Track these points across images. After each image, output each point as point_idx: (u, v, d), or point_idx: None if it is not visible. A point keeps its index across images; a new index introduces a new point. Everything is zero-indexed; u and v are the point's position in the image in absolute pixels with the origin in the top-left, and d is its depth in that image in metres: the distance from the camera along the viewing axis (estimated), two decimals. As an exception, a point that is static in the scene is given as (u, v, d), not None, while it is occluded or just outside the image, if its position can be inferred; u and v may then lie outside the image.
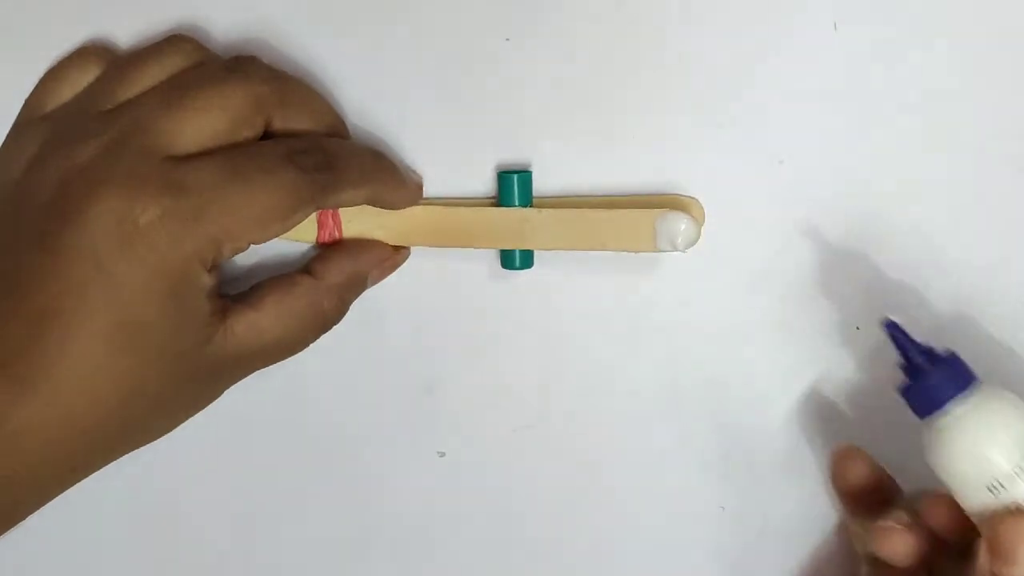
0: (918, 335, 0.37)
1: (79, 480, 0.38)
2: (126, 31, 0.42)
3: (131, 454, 0.39)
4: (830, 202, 0.42)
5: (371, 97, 0.42)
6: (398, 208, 0.41)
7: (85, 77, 0.40)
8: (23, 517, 0.38)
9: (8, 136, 0.40)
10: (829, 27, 0.41)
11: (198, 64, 0.39)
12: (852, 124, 0.41)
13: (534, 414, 0.43)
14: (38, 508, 0.38)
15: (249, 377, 0.40)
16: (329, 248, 0.41)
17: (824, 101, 0.41)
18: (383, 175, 0.40)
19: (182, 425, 0.40)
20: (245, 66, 0.38)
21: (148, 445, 0.39)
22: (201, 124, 0.37)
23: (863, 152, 0.42)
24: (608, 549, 0.43)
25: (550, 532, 0.43)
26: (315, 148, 0.38)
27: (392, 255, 0.42)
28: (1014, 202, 0.41)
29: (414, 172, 0.42)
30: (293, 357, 0.41)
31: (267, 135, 0.39)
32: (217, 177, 0.36)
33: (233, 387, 0.40)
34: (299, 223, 0.38)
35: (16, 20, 0.42)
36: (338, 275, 0.40)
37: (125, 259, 0.35)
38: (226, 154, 0.37)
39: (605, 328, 0.42)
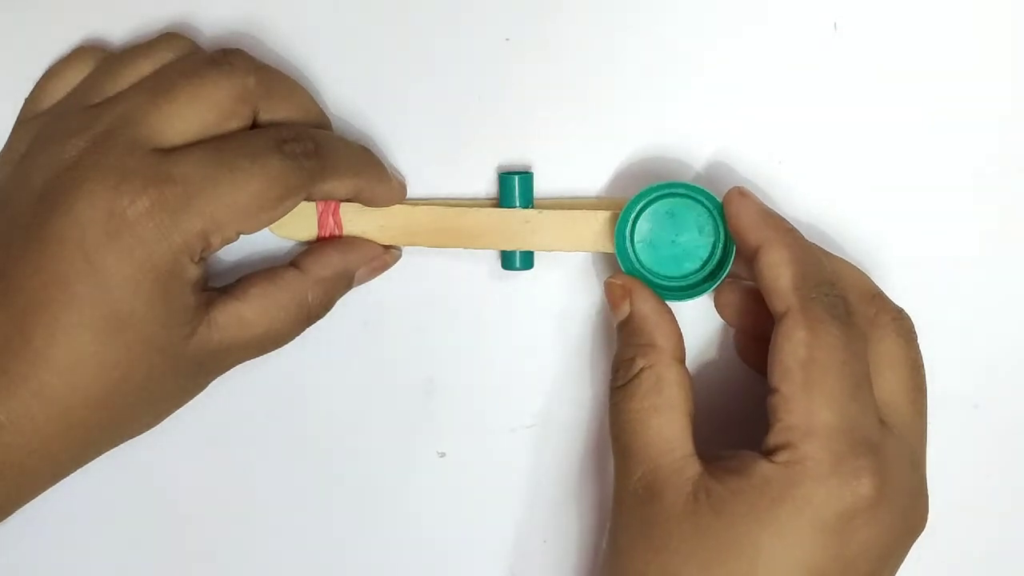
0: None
1: (68, 474, 0.38)
2: (124, 30, 0.42)
3: (122, 447, 0.39)
4: (830, 202, 0.42)
5: (372, 98, 0.42)
6: (381, 205, 0.41)
7: (79, 75, 0.40)
8: (11, 511, 0.38)
9: (9, 136, 0.40)
10: (829, 27, 0.41)
11: (184, 58, 0.39)
12: (852, 124, 0.41)
13: (534, 414, 0.43)
14: (27, 502, 0.38)
15: (248, 376, 0.40)
16: (318, 243, 0.41)
17: (824, 101, 0.41)
18: (369, 168, 0.41)
19: (179, 423, 0.40)
20: (231, 58, 0.39)
21: (139, 439, 0.39)
22: (188, 116, 0.37)
23: (863, 152, 0.42)
24: (608, 549, 0.43)
25: (550, 532, 0.43)
26: (303, 136, 0.38)
27: (382, 254, 0.42)
28: (1015, 202, 0.42)
29: (398, 171, 0.42)
30: (294, 356, 0.41)
31: (254, 128, 0.39)
32: (204, 167, 0.36)
33: (231, 385, 0.40)
34: (288, 211, 0.38)
35: (16, 21, 0.42)
36: (324, 269, 0.40)
37: (112, 251, 0.35)
38: (213, 144, 0.37)
39: (605, 329, 0.42)
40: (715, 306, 0.41)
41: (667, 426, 0.37)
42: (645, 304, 0.39)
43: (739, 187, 0.39)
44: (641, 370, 0.38)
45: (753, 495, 0.35)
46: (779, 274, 0.36)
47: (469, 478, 0.43)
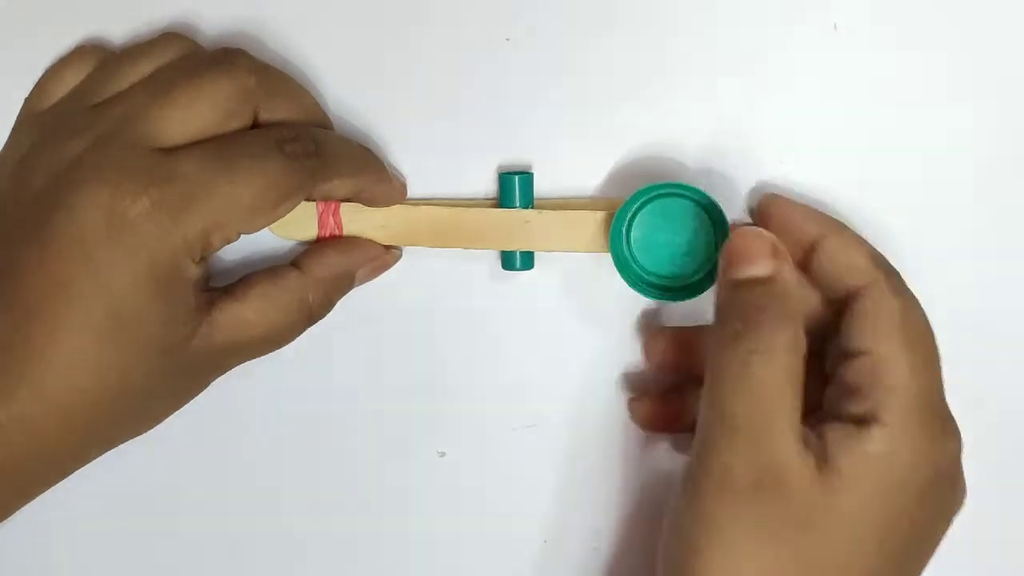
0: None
1: (68, 474, 0.38)
2: (124, 30, 0.42)
3: (122, 447, 0.39)
4: (830, 202, 0.42)
5: (372, 98, 0.42)
6: (381, 205, 0.41)
7: (79, 75, 0.40)
8: (11, 512, 0.38)
9: (9, 136, 0.40)
10: (829, 27, 0.41)
11: (185, 57, 0.39)
12: (852, 124, 0.41)
13: (534, 414, 0.43)
14: (27, 503, 0.38)
15: (247, 375, 0.40)
16: (318, 244, 0.41)
17: (824, 101, 0.41)
18: (370, 168, 0.41)
19: (178, 423, 0.40)
20: (232, 58, 0.39)
21: (139, 439, 0.39)
22: (189, 116, 0.37)
23: (863, 152, 0.42)
24: (608, 549, 0.43)
25: (550, 532, 0.43)
26: (304, 136, 0.38)
27: (382, 255, 0.42)
28: (1016, 201, 0.42)
29: (398, 171, 0.42)
30: (294, 356, 0.41)
31: (254, 128, 0.39)
32: (205, 167, 0.36)
33: (231, 385, 0.40)
34: (289, 211, 0.38)
35: (16, 21, 0.43)
36: (325, 270, 0.40)
37: (113, 252, 0.35)
38: (214, 144, 0.37)
39: (605, 329, 0.42)
40: (644, 352, 0.42)
41: (796, 409, 0.35)
42: (792, 272, 0.36)
43: (770, 192, 0.39)
44: (791, 340, 0.35)
45: (880, 465, 0.34)
46: (854, 252, 0.37)
47: (469, 478, 0.43)
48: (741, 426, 0.34)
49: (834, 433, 0.35)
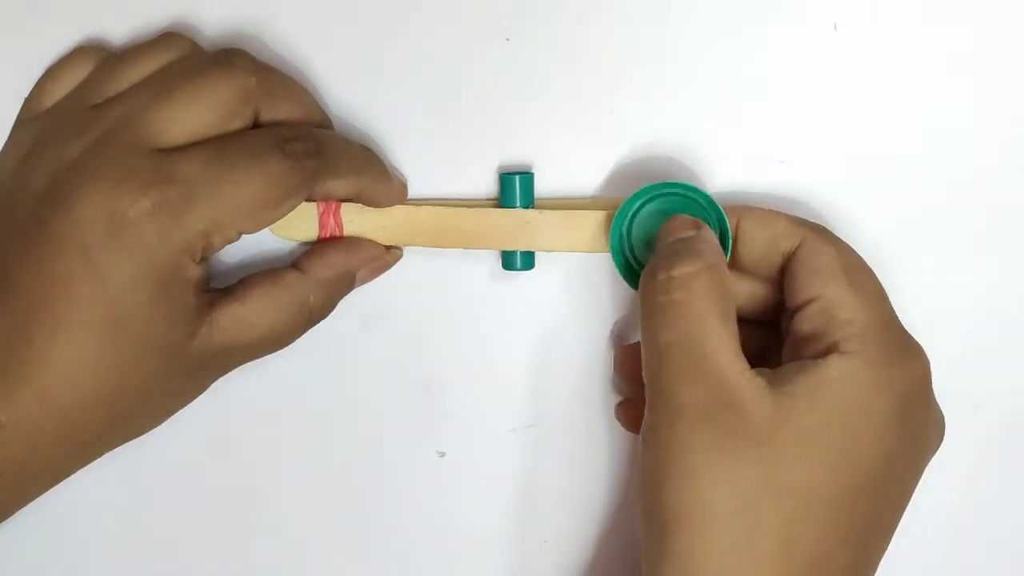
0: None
1: (68, 475, 0.38)
2: (124, 30, 0.42)
3: (122, 447, 0.39)
4: (830, 202, 0.42)
5: (372, 98, 0.42)
6: (382, 205, 0.41)
7: (79, 75, 0.40)
8: (12, 511, 0.38)
9: (8, 136, 0.40)
10: (829, 27, 0.41)
11: (186, 58, 0.39)
12: (852, 124, 0.42)
13: (534, 414, 0.43)
14: (27, 503, 0.38)
15: (248, 375, 0.40)
16: (319, 244, 0.41)
17: (824, 101, 0.41)
18: (371, 168, 0.41)
19: (179, 423, 0.40)
20: (232, 58, 0.39)
21: (139, 439, 0.39)
22: (189, 116, 0.37)
23: (863, 152, 0.42)
24: (608, 549, 0.43)
25: (550, 532, 0.43)
26: (304, 135, 0.38)
27: (383, 255, 0.42)
28: (1015, 201, 0.42)
29: (399, 172, 0.42)
30: (294, 356, 0.41)
31: (255, 128, 0.39)
32: (205, 167, 0.36)
33: (231, 385, 0.40)
34: (289, 211, 0.38)
35: (15, 20, 0.42)
36: (326, 270, 0.40)
37: (113, 252, 0.35)
38: (215, 144, 0.37)
39: (605, 329, 0.42)
40: (615, 367, 0.42)
41: (730, 333, 0.35)
42: (712, 236, 0.38)
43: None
44: (703, 268, 0.35)
45: (838, 389, 0.35)
46: (772, 221, 0.38)
47: (469, 478, 0.43)
48: (676, 353, 0.35)
49: (790, 366, 0.35)
